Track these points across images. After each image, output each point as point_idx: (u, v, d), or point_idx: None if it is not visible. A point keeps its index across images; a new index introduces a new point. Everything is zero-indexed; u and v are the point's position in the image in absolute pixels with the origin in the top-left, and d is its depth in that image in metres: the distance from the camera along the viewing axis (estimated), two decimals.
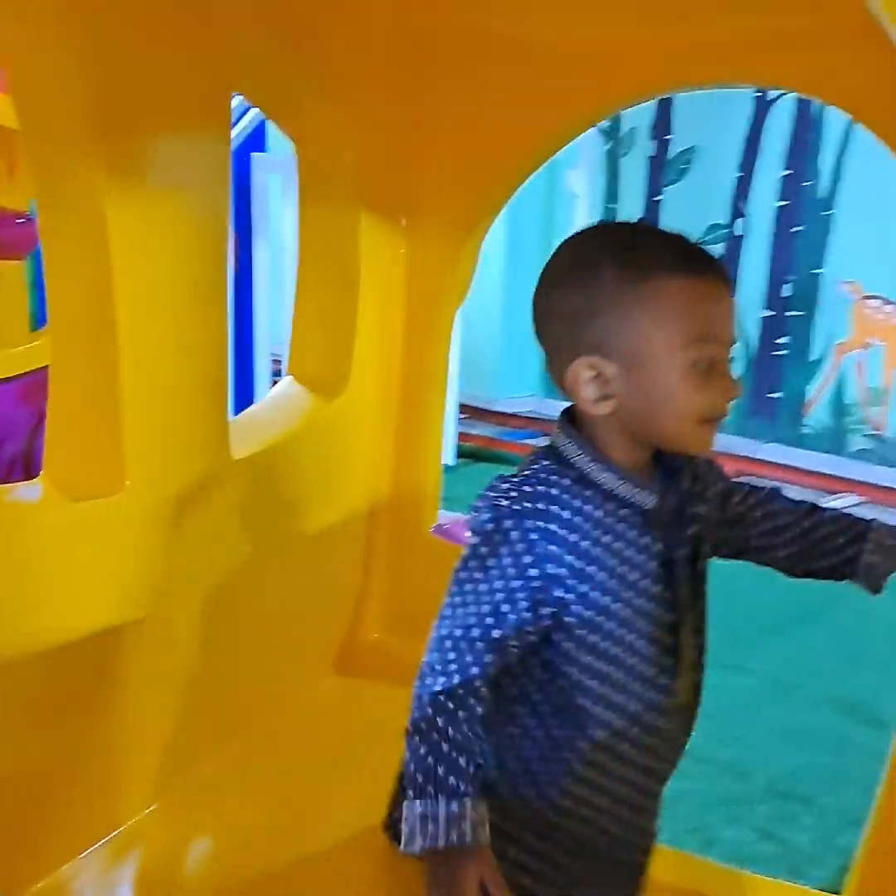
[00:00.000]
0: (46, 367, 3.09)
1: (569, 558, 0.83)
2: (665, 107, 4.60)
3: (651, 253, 0.84)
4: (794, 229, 4.33)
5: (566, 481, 0.84)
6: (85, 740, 1.01)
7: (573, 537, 0.83)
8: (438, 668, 0.82)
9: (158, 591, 1.05)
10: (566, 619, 0.84)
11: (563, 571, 0.83)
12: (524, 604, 0.82)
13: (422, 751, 0.80)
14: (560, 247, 0.89)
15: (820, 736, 2.21)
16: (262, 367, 3.62)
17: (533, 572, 0.82)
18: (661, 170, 4.71)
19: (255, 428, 1.23)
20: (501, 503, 0.83)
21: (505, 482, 0.86)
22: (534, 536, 0.82)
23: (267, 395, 1.36)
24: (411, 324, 1.40)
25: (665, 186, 4.71)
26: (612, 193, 4.91)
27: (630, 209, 4.83)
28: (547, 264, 0.89)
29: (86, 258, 0.95)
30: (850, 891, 1.28)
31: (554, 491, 0.84)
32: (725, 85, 1.47)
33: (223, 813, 1.01)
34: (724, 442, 4.29)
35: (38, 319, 3.34)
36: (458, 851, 0.78)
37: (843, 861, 1.74)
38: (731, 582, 3.02)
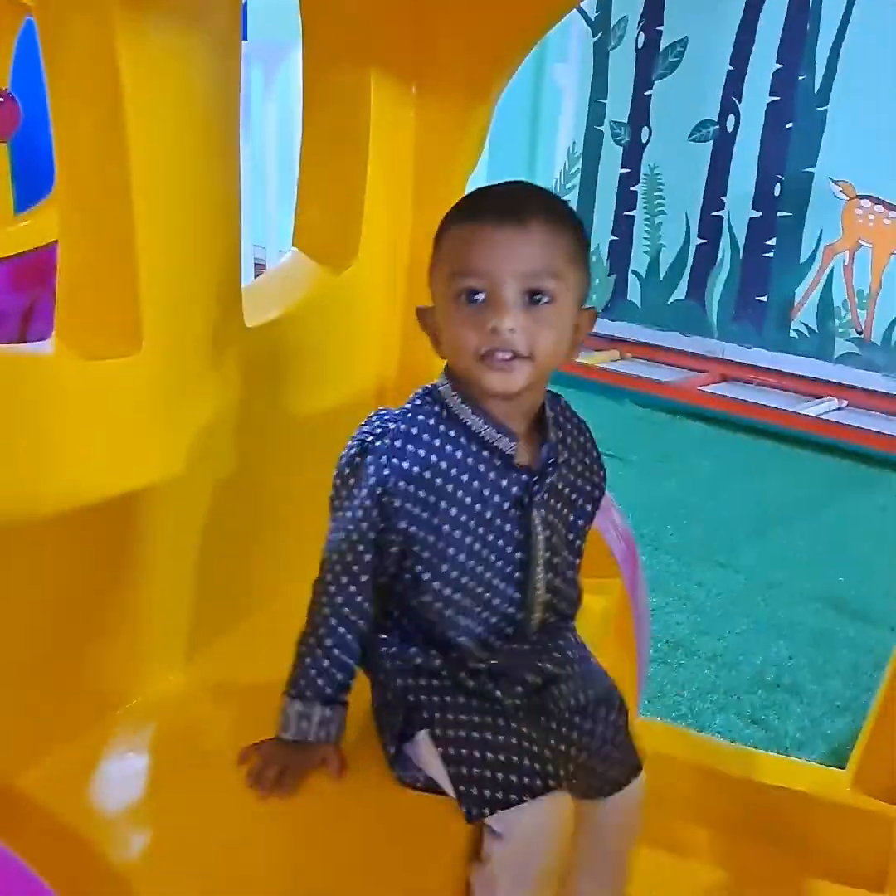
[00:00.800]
0: (35, 250, 2.96)
1: (421, 493, 0.92)
2: None
3: (455, 208, 0.93)
4: (787, 126, 4.21)
5: (432, 420, 0.93)
6: (107, 605, 1.01)
7: (427, 474, 0.92)
8: (320, 588, 0.96)
9: (175, 456, 1.04)
10: (416, 547, 0.94)
11: (412, 505, 0.92)
12: (378, 528, 0.93)
13: (307, 661, 0.96)
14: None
15: (805, 629, 2.24)
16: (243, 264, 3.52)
17: (385, 500, 0.92)
18: (652, 63, 4.55)
19: (264, 299, 1.20)
20: (366, 438, 0.94)
21: (378, 417, 0.96)
22: (386, 472, 0.91)
23: (273, 268, 1.31)
24: (420, 194, 1.35)
25: (655, 80, 4.56)
26: (600, 88, 4.74)
27: (618, 104, 4.68)
28: None
29: (98, 108, 0.90)
30: (853, 764, 1.30)
31: (414, 430, 0.93)
32: None
33: (246, 683, 1.03)
34: (710, 345, 4.27)
35: (18, 205, 3.22)
36: (319, 746, 0.96)
37: (830, 746, 1.78)
38: (717, 484, 3.04)
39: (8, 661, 0.90)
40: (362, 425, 0.96)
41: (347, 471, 0.95)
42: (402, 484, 0.92)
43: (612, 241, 4.84)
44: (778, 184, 4.28)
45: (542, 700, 0.99)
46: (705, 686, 1.97)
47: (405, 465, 0.92)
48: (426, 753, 0.94)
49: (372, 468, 0.92)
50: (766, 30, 4.18)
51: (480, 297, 0.87)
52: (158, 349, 0.99)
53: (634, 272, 4.79)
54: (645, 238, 4.74)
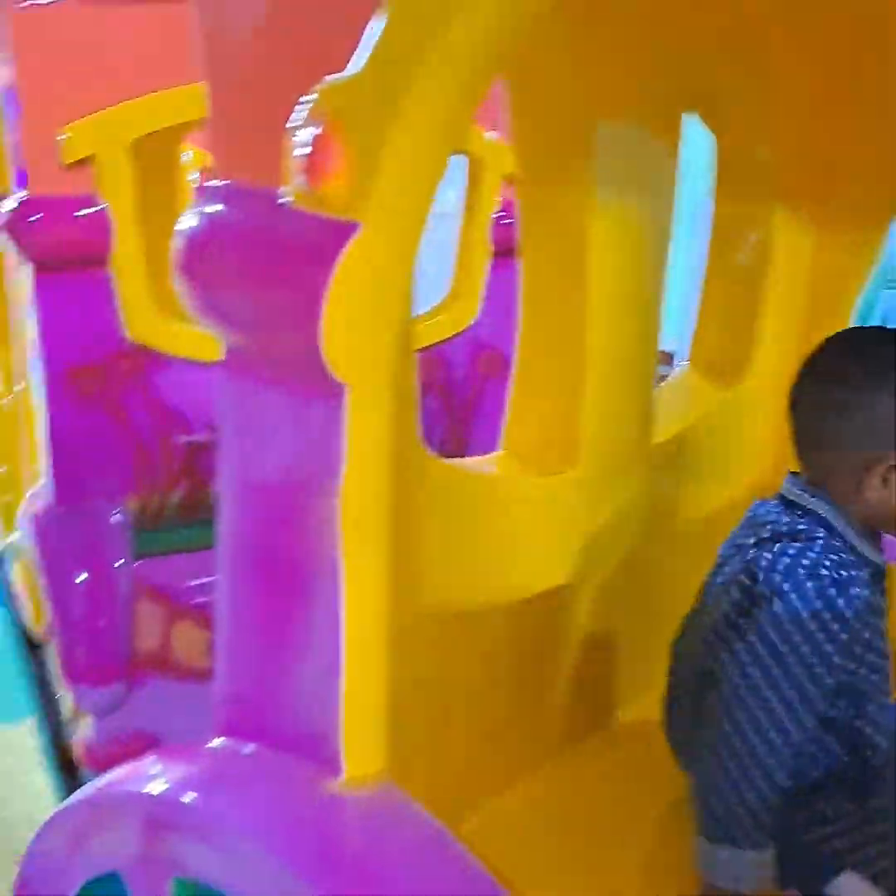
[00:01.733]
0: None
1: (866, 617, 0.97)
2: None
3: None
4: None
5: (844, 555, 0.98)
6: (525, 682, 1.14)
7: (859, 600, 0.95)
8: (763, 748, 0.94)
9: (588, 559, 1.16)
10: (863, 670, 1.00)
11: (863, 631, 0.97)
12: (837, 677, 0.96)
13: (739, 810, 0.94)
14: (844, 349, 1.02)
15: None
16: None
17: (844, 647, 0.95)
18: None
19: (662, 414, 1.32)
20: (807, 585, 0.95)
21: (798, 558, 0.97)
22: (856, 601, 0.95)
23: (667, 384, 1.43)
24: (813, 315, 1.42)
25: None
26: None
27: None
28: (823, 361, 1.02)
29: (564, 267, 1.09)
30: None
31: (840, 559, 0.97)
32: None
33: (635, 760, 1.14)
34: None
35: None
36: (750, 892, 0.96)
37: None
38: None
39: (456, 727, 1.04)
40: (787, 569, 0.97)
41: (827, 613, 0.95)
42: (851, 616, 0.95)
43: None
44: None
45: None
46: None
47: (855, 590, 0.96)
48: (857, 891, 0.98)
49: (842, 602, 0.95)
50: None
51: None
52: (590, 465, 1.14)
53: None
54: None
